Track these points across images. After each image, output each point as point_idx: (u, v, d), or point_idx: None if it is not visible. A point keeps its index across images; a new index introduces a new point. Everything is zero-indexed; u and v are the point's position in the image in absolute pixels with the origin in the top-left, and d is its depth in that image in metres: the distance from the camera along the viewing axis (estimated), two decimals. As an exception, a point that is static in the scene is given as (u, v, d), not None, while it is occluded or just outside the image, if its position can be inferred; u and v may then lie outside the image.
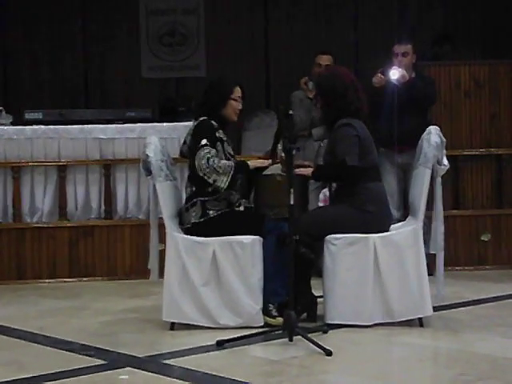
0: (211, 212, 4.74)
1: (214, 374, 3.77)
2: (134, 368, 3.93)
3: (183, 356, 4.13)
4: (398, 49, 6.36)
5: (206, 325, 4.64)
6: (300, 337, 4.22)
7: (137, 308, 5.40)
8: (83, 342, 4.44)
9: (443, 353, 4.28)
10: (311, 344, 4.11)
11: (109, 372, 3.89)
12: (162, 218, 4.81)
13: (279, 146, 4.69)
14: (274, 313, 4.66)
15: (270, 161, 4.87)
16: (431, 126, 4.88)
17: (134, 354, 4.18)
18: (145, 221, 6.23)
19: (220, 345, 4.26)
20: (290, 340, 4.24)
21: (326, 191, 5.44)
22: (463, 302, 5.34)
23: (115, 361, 4.09)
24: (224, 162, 4.72)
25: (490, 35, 9.49)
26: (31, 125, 6.74)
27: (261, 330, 4.52)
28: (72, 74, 9.84)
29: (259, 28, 9.91)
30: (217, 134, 4.79)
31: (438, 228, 4.82)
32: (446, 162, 4.77)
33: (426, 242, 4.85)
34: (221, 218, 4.74)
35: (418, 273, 4.63)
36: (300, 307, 4.64)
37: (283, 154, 4.49)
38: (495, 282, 6.18)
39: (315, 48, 7.44)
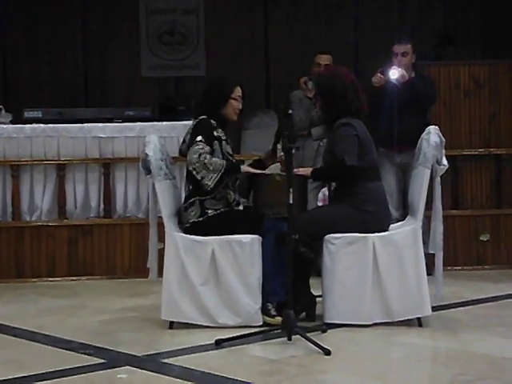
0: (210, 211, 4.74)
1: (212, 373, 3.77)
2: (133, 367, 3.93)
3: (182, 355, 4.13)
4: (398, 48, 6.36)
5: (204, 324, 4.64)
6: (299, 336, 4.22)
7: (136, 307, 5.40)
8: (82, 341, 4.44)
9: (442, 353, 4.28)
10: (310, 343, 4.11)
11: (108, 371, 3.89)
12: (161, 217, 4.81)
13: (278, 146, 4.69)
14: (273, 312, 4.66)
15: (261, 170, 4.87)
16: (431, 126, 4.88)
17: (132, 353, 4.18)
18: (144, 220, 6.23)
19: (219, 344, 4.26)
20: (289, 339, 4.24)
21: (325, 191, 5.44)
22: (462, 302, 5.34)
23: (114, 360, 4.09)
24: (216, 159, 4.70)
25: (490, 35, 9.49)
26: (31, 123, 6.74)
27: (260, 329, 4.52)
28: (72, 73, 9.84)
29: (259, 28, 9.92)
30: (215, 133, 4.79)
31: (437, 228, 4.82)
32: (445, 161, 4.77)
33: (425, 242, 4.85)
34: (220, 217, 4.74)
35: (417, 272, 4.63)
36: (299, 306, 4.64)
37: (282, 154, 4.50)
38: (494, 281, 6.18)
39: (315, 48, 7.44)
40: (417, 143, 4.87)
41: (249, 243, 4.65)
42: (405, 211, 5.61)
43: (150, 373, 3.83)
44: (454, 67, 7.00)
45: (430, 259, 4.91)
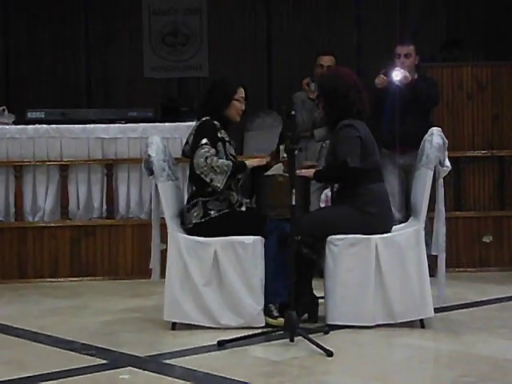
0: (212, 212, 4.74)
1: (214, 374, 3.77)
2: (135, 368, 3.93)
3: (184, 356, 4.13)
4: (401, 50, 6.36)
5: (207, 325, 4.64)
6: (301, 337, 4.22)
7: (138, 308, 5.40)
8: (84, 342, 4.44)
9: (444, 354, 4.27)
10: (312, 345, 4.11)
11: (110, 371, 3.89)
12: (163, 218, 4.81)
13: (281, 147, 4.69)
14: (276, 313, 4.66)
15: (267, 158, 4.86)
16: (433, 128, 4.88)
17: (135, 354, 4.18)
18: (146, 221, 6.23)
19: (221, 345, 4.26)
20: (291, 340, 4.24)
21: (327, 192, 5.44)
22: (464, 304, 5.34)
23: (116, 360, 4.09)
24: (222, 161, 4.71)
25: (493, 37, 9.48)
26: (33, 124, 6.74)
27: (262, 330, 4.52)
28: (75, 74, 9.85)
29: (262, 29, 9.92)
30: (219, 134, 4.79)
31: (440, 229, 4.82)
32: (448, 163, 4.77)
33: (428, 244, 4.85)
34: (222, 218, 4.74)
35: (419, 274, 4.63)
36: (301, 308, 4.64)
37: (285, 155, 4.50)
38: (497, 283, 6.18)
39: (317, 49, 7.45)
40: (419, 144, 4.86)
41: (251, 244, 4.65)
42: (407, 213, 5.61)
43: (152, 373, 3.83)
44: (457, 69, 6.99)
45: (432, 261, 4.90)
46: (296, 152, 4.30)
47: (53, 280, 6.49)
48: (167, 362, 4.03)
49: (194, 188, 4.81)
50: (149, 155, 4.79)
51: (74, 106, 8.77)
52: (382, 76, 6.20)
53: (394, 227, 4.84)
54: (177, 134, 6.55)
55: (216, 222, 4.72)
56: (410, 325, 4.63)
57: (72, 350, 4.27)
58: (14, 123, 6.88)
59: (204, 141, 4.70)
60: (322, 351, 4.05)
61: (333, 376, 3.85)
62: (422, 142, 4.82)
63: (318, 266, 4.83)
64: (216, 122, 4.81)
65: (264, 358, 4.14)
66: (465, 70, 6.98)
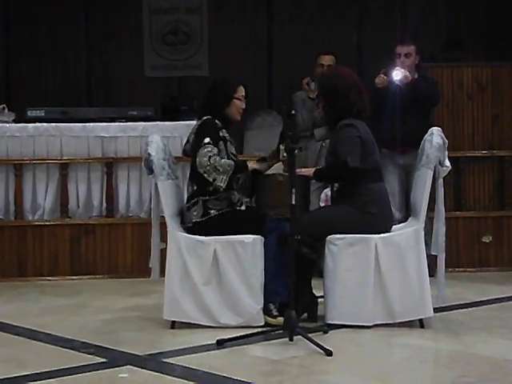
0: (212, 211, 4.74)
1: (214, 373, 3.77)
2: (135, 366, 3.93)
3: (184, 355, 4.13)
4: (401, 50, 6.36)
5: (206, 324, 4.64)
6: (300, 337, 4.22)
7: (137, 306, 5.40)
8: (84, 340, 4.44)
9: (444, 354, 4.27)
10: (311, 344, 4.11)
11: (109, 370, 3.89)
12: (163, 217, 4.81)
13: (281, 146, 4.69)
14: (275, 312, 4.66)
15: (270, 160, 4.87)
16: (433, 127, 4.88)
17: (134, 353, 4.18)
18: (146, 219, 6.23)
19: (220, 344, 4.26)
20: (291, 340, 4.24)
21: (327, 191, 5.44)
22: (464, 304, 5.34)
23: (115, 359, 4.09)
24: (224, 160, 4.71)
25: (493, 37, 9.48)
26: (34, 122, 6.74)
27: (261, 329, 4.52)
28: (75, 73, 9.84)
29: (262, 28, 9.91)
30: (220, 134, 4.80)
31: (440, 229, 4.82)
32: (447, 163, 4.77)
33: (428, 243, 4.85)
34: (222, 217, 4.74)
35: (419, 274, 4.63)
36: (300, 307, 4.64)
37: (285, 154, 4.49)
38: (496, 283, 6.18)
39: (318, 48, 7.45)
40: (419, 144, 4.87)
41: (251, 243, 4.65)
42: (407, 212, 5.61)
43: (152, 372, 3.83)
44: (457, 69, 6.99)
45: (432, 260, 4.90)
46: (296, 151, 4.30)
47: (52, 278, 6.49)
48: (166, 360, 4.03)
49: (194, 187, 4.81)
50: (149, 154, 4.79)
51: (75, 106, 8.71)
52: (382, 76, 6.20)
53: (394, 227, 4.84)
54: (177, 133, 6.56)
55: (216, 221, 4.72)
56: (409, 325, 4.63)
57: (71, 349, 4.27)
58: (14, 121, 6.88)
59: (207, 140, 4.70)
60: (321, 350, 4.05)
61: (332, 375, 3.85)
62: (422, 142, 4.83)
63: (318, 265, 4.83)
64: (217, 121, 4.81)
65: (263, 357, 4.14)
66: (465, 70, 6.98)
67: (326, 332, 4.49)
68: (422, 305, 4.61)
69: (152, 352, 4.19)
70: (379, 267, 4.62)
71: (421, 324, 4.64)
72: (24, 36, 9.77)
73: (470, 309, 5.23)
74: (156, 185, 4.80)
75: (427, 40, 8.68)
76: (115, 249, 6.58)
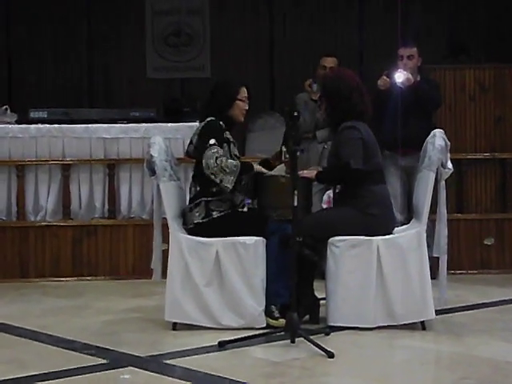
0: (215, 213, 4.74)
1: (215, 374, 3.77)
2: (136, 367, 3.93)
3: (185, 356, 4.13)
4: (403, 51, 6.35)
5: (208, 325, 4.64)
6: (302, 338, 4.21)
7: (139, 308, 5.40)
8: (85, 341, 4.44)
9: (445, 356, 4.27)
10: (313, 346, 4.11)
11: (110, 371, 3.89)
12: (165, 218, 4.81)
13: (283, 148, 4.69)
14: (277, 314, 4.66)
15: (273, 161, 4.88)
16: (436, 129, 4.88)
17: (135, 354, 4.18)
18: (148, 221, 6.23)
19: (222, 345, 4.25)
20: (292, 342, 4.24)
21: (330, 193, 5.43)
22: (466, 306, 5.34)
23: (117, 360, 4.09)
24: (231, 161, 4.72)
25: (494, 38, 9.48)
26: (36, 123, 6.75)
27: (263, 331, 4.52)
28: (77, 74, 9.84)
29: (264, 29, 9.91)
30: (224, 135, 4.80)
31: (442, 231, 4.82)
32: (450, 165, 4.76)
33: (430, 245, 4.84)
34: (224, 218, 4.74)
35: (421, 276, 4.63)
36: (302, 309, 4.63)
37: (287, 156, 4.49)
38: (498, 286, 6.17)
39: (320, 50, 7.45)
40: (422, 146, 4.87)
41: (253, 245, 4.65)
42: (409, 214, 5.61)
43: (153, 374, 3.83)
44: (460, 71, 6.99)
45: (434, 263, 4.90)
46: (298, 153, 4.30)
47: (54, 279, 6.49)
48: (168, 362, 4.03)
49: (197, 188, 4.81)
50: (151, 155, 4.79)
51: (76, 107, 8.73)
52: (384, 78, 6.20)
53: (396, 229, 4.84)
54: (179, 135, 6.56)
55: (218, 223, 4.72)
56: (411, 327, 4.63)
57: (73, 350, 4.27)
58: (17, 122, 6.89)
59: (212, 141, 4.70)
60: (322, 352, 4.05)
61: (333, 377, 3.85)
62: (425, 144, 4.82)
63: (320, 267, 4.83)
64: (221, 123, 4.81)
65: (265, 358, 4.14)
66: (467, 72, 6.98)
67: (327, 334, 4.49)
68: (424, 307, 4.61)
69: (153, 353, 4.19)
70: (381, 269, 4.62)
71: (423, 326, 4.64)
72: (25, 36, 9.77)
73: (472, 311, 5.23)
74: (158, 186, 4.80)
75: (428, 41, 8.68)
76: (117, 250, 6.58)
